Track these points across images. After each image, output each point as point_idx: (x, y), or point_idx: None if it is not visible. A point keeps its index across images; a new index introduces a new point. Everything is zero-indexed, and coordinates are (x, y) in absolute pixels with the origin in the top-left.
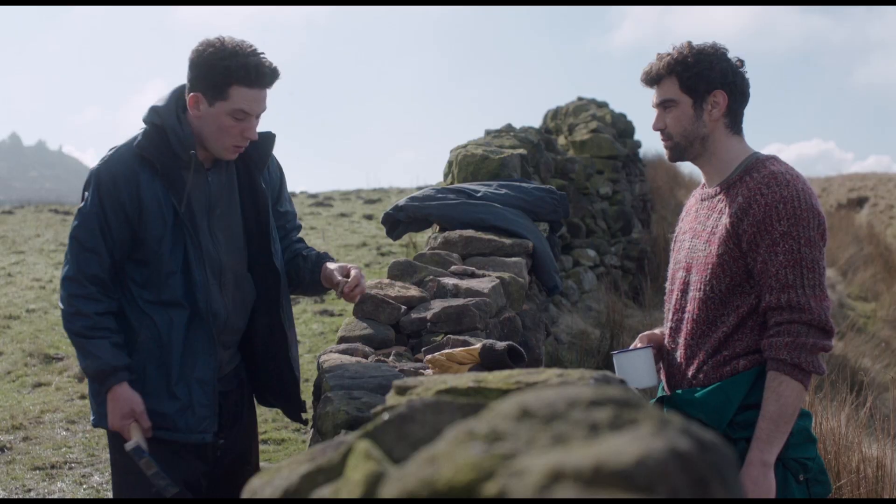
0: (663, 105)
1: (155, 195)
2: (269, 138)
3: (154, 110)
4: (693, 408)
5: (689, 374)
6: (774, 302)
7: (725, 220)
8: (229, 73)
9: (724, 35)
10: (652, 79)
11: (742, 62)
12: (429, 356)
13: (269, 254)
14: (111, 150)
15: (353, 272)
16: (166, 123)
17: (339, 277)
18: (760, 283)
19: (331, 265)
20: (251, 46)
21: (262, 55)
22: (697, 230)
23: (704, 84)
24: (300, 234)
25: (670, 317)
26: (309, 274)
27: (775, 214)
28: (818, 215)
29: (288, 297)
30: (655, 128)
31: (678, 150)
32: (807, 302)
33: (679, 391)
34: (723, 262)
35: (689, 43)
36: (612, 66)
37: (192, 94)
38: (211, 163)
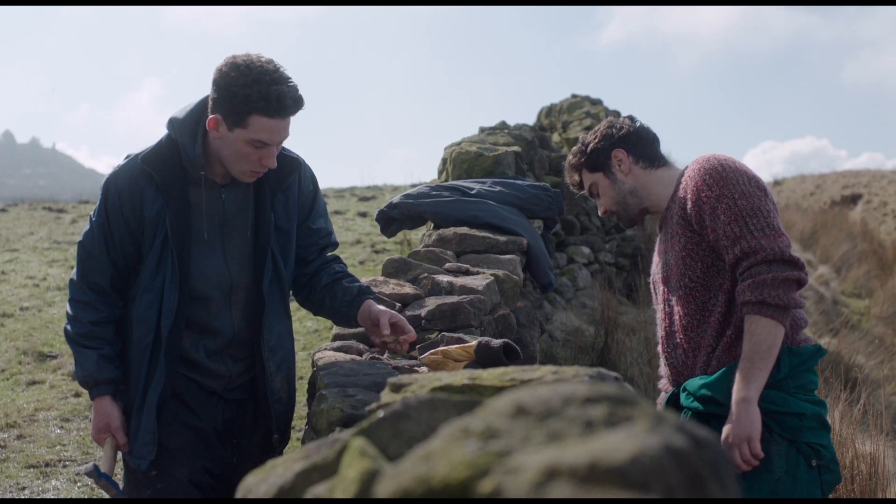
0: (592, 193)
1: (158, 211)
2: (291, 164)
3: (171, 122)
4: (706, 388)
5: (699, 364)
6: (732, 257)
7: (674, 221)
8: (249, 101)
9: (711, 33)
10: (577, 184)
11: (632, 118)
12: (424, 356)
13: (260, 279)
14: (126, 157)
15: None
16: (180, 140)
17: (387, 332)
18: (719, 250)
19: (375, 307)
20: (277, 71)
21: (287, 82)
22: (662, 249)
23: (601, 157)
24: (336, 252)
25: (662, 326)
26: (346, 307)
27: (705, 186)
28: (745, 173)
29: (277, 326)
30: (601, 214)
31: (623, 215)
32: (757, 243)
33: (690, 380)
34: (688, 251)
35: (578, 140)
36: (604, 63)
37: (212, 115)
38: (227, 178)
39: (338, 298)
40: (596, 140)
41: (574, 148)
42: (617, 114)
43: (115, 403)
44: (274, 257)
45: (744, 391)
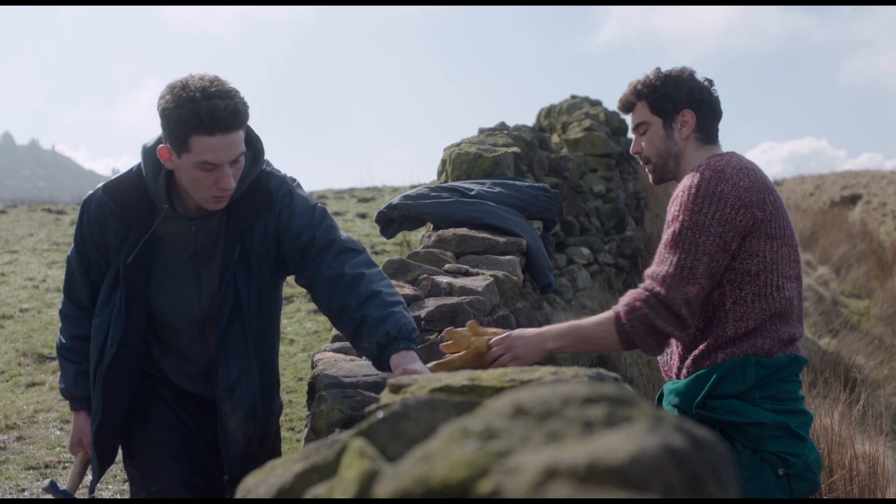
0: (637, 129)
1: (121, 242)
2: (264, 197)
3: (142, 151)
4: (674, 394)
5: (674, 372)
6: (645, 272)
7: None
8: (182, 122)
9: (707, 35)
10: (625, 106)
11: (711, 81)
12: (447, 329)
13: (216, 314)
14: (114, 173)
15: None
16: (144, 172)
17: None
18: None
19: (399, 367)
20: (212, 86)
21: (221, 96)
22: None
23: (671, 104)
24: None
25: None
26: (375, 361)
27: (676, 199)
28: (719, 201)
29: (236, 364)
30: (633, 151)
31: (658, 171)
32: (666, 277)
33: (667, 383)
34: None
35: (658, 69)
36: (601, 64)
37: (161, 145)
38: (198, 211)
39: (364, 348)
40: (676, 85)
41: (649, 76)
42: (616, 115)
43: (90, 419)
44: (237, 291)
45: (549, 341)
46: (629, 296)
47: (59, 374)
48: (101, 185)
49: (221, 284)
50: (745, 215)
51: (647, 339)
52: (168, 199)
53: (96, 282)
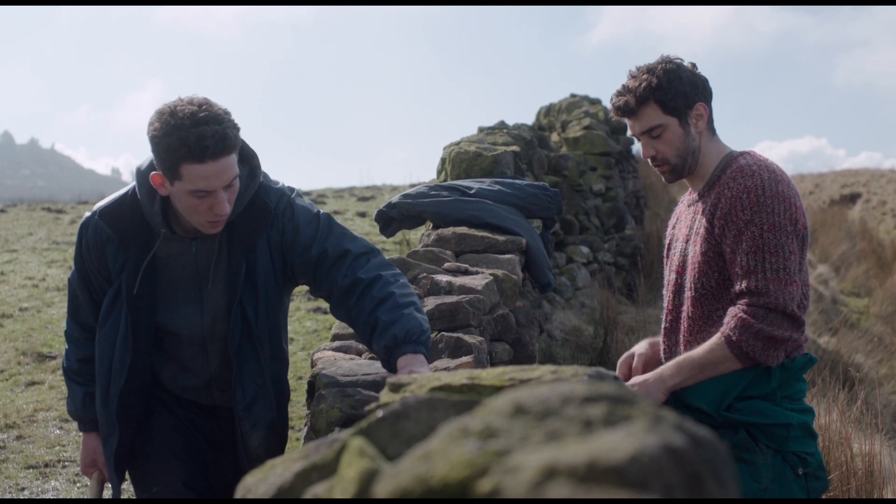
0: (650, 133)
1: (121, 266)
2: (263, 215)
3: (136, 173)
4: (692, 397)
5: None
6: (738, 288)
7: (704, 219)
8: (172, 151)
9: (702, 35)
10: (631, 110)
11: (694, 65)
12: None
13: (221, 333)
14: (97, 207)
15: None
16: (139, 195)
17: None
18: (731, 273)
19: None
20: (200, 112)
21: (210, 122)
22: (686, 234)
23: (684, 101)
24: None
25: (665, 317)
26: (386, 364)
27: (739, 205)
28: (784, 201)
29: (252, 383)
30: (647, 156)
31: (676, 171)
32: (765, 286)
33: None
34: (708, 259)
35: (651, 67)
36: (596, 64)
37: (154, 172)
38: (197, 231)
39: (375, 352)
40: (682, 80)
41: (645, 75)
42: None
43: (100, 439)
44: (244, 311)
45: (668, 379)
46: (733, 316)
47: (58, 372)
48: (96, 207)
49: (230, 306)
50: (803, 216)
51: (768, 352)
52: (165, 221)
53: (100, 303)
